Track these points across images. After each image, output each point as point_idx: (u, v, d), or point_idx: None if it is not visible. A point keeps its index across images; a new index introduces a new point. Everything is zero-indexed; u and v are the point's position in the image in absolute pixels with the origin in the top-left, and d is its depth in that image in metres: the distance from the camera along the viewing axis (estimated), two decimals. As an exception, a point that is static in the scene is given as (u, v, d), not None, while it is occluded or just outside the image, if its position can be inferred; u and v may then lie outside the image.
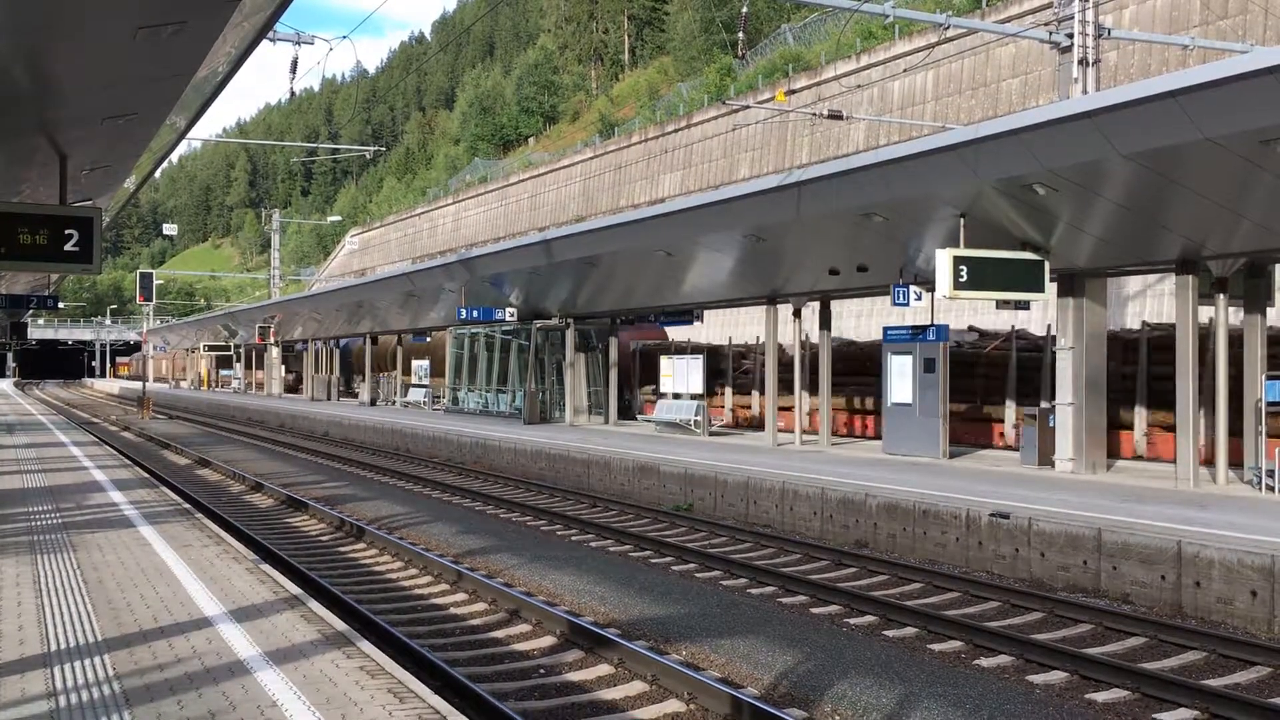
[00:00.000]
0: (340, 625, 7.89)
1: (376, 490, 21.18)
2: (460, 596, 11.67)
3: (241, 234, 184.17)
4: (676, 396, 26.83)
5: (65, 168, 11.48)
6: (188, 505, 15.06)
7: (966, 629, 9.96)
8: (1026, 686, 8.48)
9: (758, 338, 29.86)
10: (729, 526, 15.95)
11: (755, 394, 27.88)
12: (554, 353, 32.20)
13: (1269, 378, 14.98)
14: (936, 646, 9.66)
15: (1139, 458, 18.87)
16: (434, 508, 18.60)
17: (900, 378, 20.01)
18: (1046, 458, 17.57)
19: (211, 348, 69.48)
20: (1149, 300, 27.91)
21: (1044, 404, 18.54)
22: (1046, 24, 18.67)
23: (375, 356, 47.93)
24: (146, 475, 19.80)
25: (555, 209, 68.70)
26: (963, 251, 15.62)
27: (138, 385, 66.27)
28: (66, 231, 10.61)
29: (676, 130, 57.83)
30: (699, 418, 25.92)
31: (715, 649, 9.30)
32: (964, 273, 15.52)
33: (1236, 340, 15.90)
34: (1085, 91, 17.14)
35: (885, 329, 21.05)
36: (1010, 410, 21.33)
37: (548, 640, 9.80)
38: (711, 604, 11.02)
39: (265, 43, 13.06)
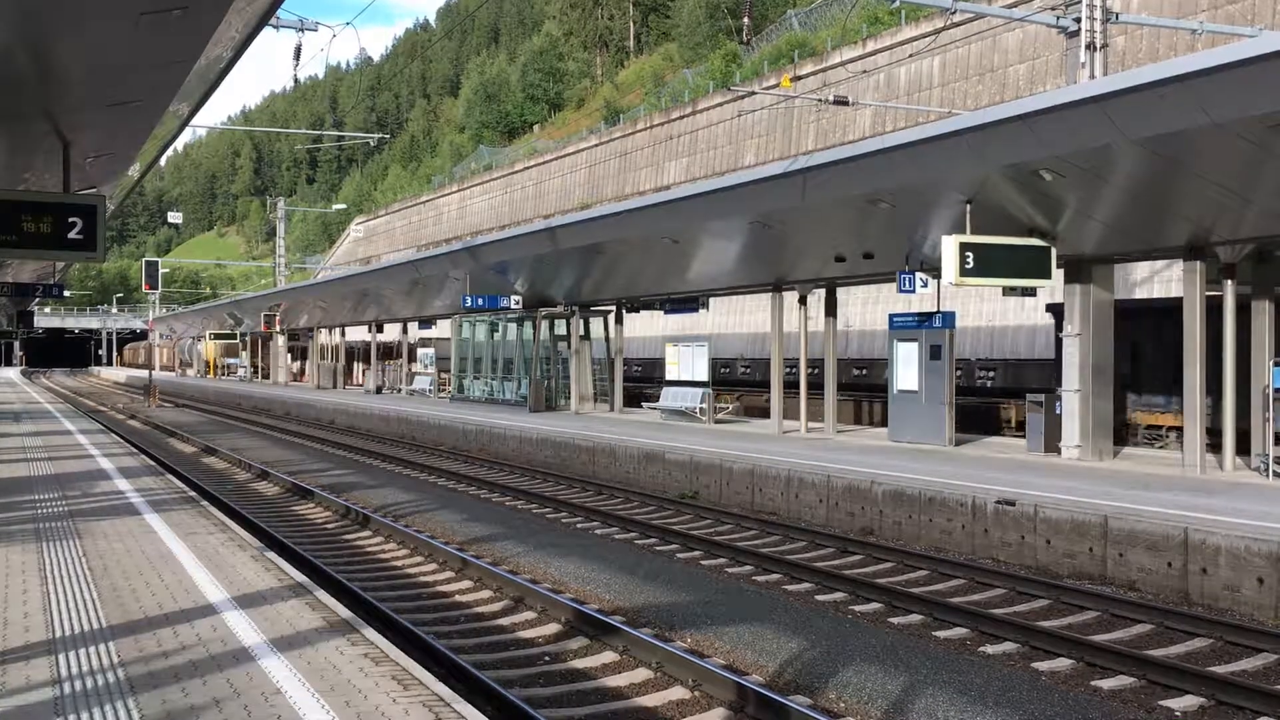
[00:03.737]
0: (345, 613, 7.89)
1: (382, 478, 21.19)
2: (465, 584, 11.67)
3: (247, 222, 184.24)
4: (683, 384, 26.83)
5: (68, 155, 11.46)
6: (193, 493, 15.07)
7: (972, 616, 9.94)
8: (1032, 674, 8.47)
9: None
10: (734, 514, 15.94)
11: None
12: (559, 340, 32.18)
13: (1277, 363, 14.91)
14: (942, 634, 9.65)
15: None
16: (439, 495, 18.61)
17: (906, 365, 19.96)
18: (1053, 444, 17.54)
19: (217, 336, 69.57)
20: (1156, 286, 27.81)
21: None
22: (1054, 8, 18.54)
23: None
24: (152, 463, 19.82)
25: (560, 196, 68.60)
26: (969, 238, 15.55)
27: (144, 373, 66.40)
28: (70, 219, 10.59)
29: (682, 117, 57.67)
30: (704, 405, 25.91)
31: (720, 636, 9.29)
32: (970, 259, 15.45)
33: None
34: (1093, 76, 17.03)
35: (891, 316, 21.00)
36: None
37: (553, 627, 9.80)
38: (716, 591, 11.01)
39: (269, 29, 13.05)
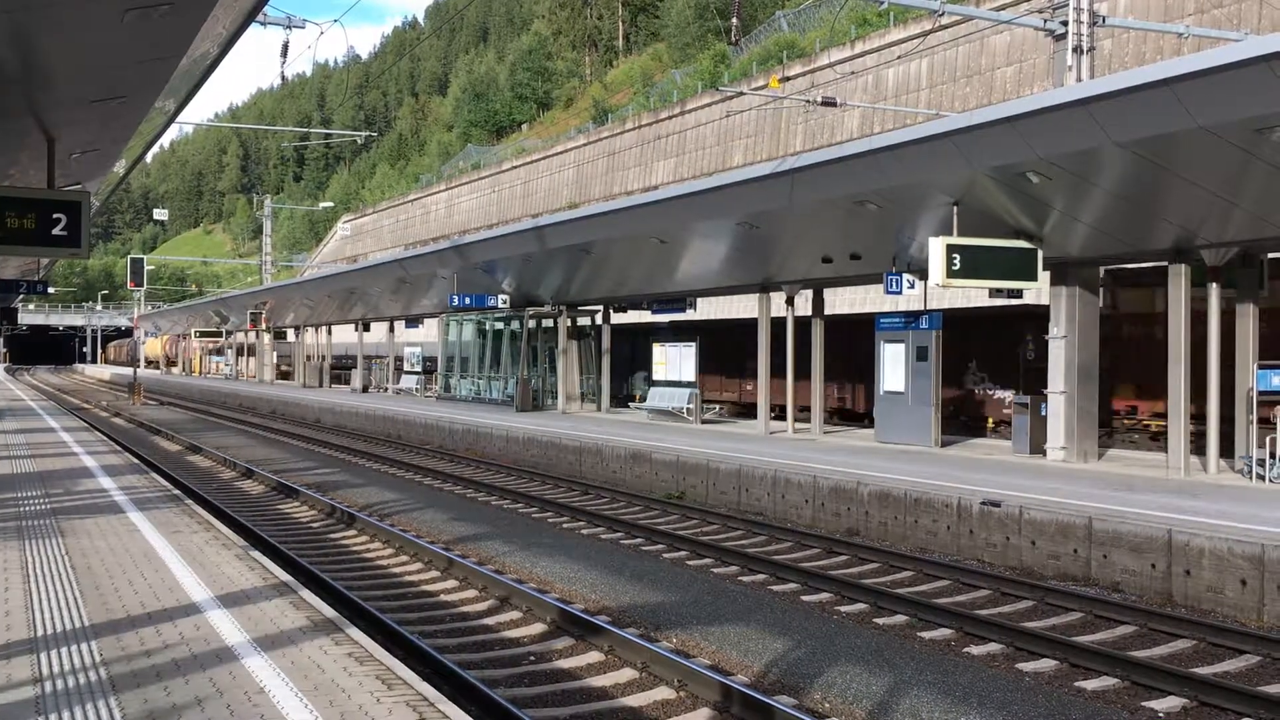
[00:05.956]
0: (329, 612, 7.85)
1: (368, 477, 21.14)
2: (451, 583, 11.64)
3: (233, 219, 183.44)
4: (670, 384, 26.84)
5: (53, 151, 11.39)
6: (178, 491, 15.00)
7: (957, 617, 9.96)
8: (1016, 674, 8.49)
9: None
10: (721, 514, 15.94)
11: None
12: (546, 340, 32.14)
13: (1260, 367, 14.99)
14: (927, 634, 9.66)
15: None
16: (425, 495, 18.56)
17: (893, 366, 19.99)
18: (1038, 446, 17.59)
19: (203, 334, 69.30)
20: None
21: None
22: (1041, 11, 18.61)
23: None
24: (137, 461, 19.73)
25: (548, 196, 68.56)
26: (956, 240, 15.59)
27: (128, 371, 66.13)
28: (54, 215, 10.56)
29: (670, 117, 57.70)
30: (691, 405, 25.90)
31: (706, 636, 9.29)
32: (957, 261, 15.49)
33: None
34: (1080, 79, 17.10)
35: (878, 316, 21.04)
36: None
37: (538, 627, 9.78)
38: (702, 591, 11.00)
39: (256, 26, 12.98)
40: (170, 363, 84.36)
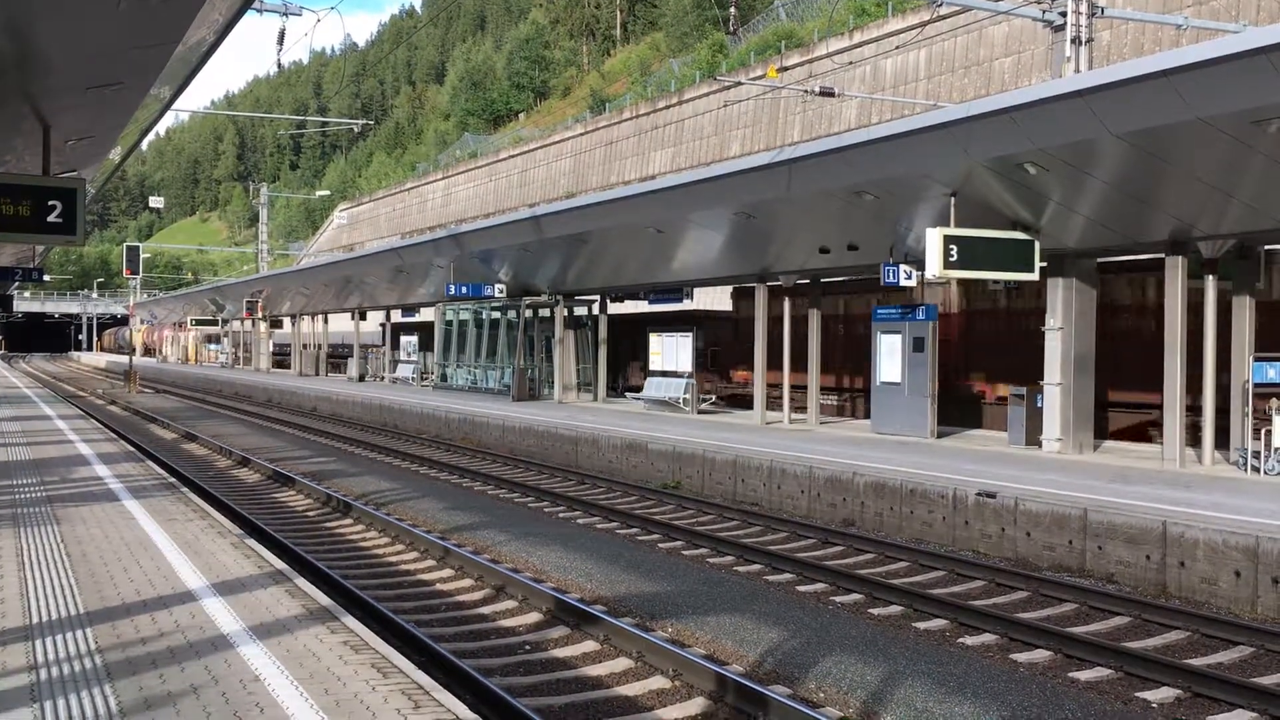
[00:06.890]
0: (324, 600, 7.85)
1: (364, 466, 21.13)
2: (446, 572, 11.65)
3: (229, 208, 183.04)
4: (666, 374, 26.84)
5: (48, 138, 11.35)
6: (173, 479, 14.99)
7: (952, 607, 9.98)
8: (1010, 665, 8.51)
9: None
10: (716, 504, 15.96)
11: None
12: (543, 329, 32.11)
13: (1256, 359, 15.01)
14: (922, 625, 9.68)
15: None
16: (421, 484, 18.56)
17: (889, 357, 19.99)
18: (1034, 438, 17.61)
19: (199, 322, 69.18)
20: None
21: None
22: (1040, 2, 18.57)
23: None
24: (132, 449, 19.71)
25: (545, 185, 68.44)
26: (953, 231, 15.58)
27: (124, 358, 66.02)
28: (49, 203, 10.53)
29: (668, 107, 57.59)
30: (688, 395, 25.90)
31: (701, 626, 9.30)
32: (954, 252, 15.48)
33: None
34: (1078, 70, 17.07)
35: (875, 308, 21.04)
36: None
37: (534, 616, 9.79)
38: (697, 581, 11.01)
39: (252, 13, 12.95)
40: (149, 352, 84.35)
